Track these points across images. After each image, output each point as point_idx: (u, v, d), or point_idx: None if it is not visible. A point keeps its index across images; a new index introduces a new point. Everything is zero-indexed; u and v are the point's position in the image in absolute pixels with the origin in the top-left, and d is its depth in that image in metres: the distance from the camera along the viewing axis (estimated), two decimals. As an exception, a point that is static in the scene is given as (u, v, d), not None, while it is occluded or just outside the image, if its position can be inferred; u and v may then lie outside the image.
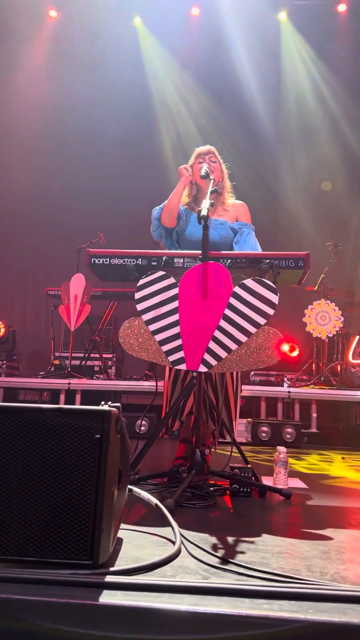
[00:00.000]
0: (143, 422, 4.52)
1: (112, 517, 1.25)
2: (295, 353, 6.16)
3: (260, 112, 8.03)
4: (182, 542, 1.38)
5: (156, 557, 1.24)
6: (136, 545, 1.39)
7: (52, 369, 5.94)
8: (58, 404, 5.09)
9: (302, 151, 7.90)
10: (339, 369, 5.44)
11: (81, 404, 5.05)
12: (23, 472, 1.20)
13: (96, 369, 6.02)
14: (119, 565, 1.23)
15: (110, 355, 6.28)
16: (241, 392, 2.82)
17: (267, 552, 1.38)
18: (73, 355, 5.74)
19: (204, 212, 2.14)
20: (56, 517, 1.18)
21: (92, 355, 5.95)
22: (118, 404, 1.29)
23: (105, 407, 1.23)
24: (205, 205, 2.19)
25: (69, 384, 5.10)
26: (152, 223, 2.79)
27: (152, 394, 2.63)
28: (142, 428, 4.46)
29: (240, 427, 4.53)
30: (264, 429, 4.52)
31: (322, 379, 5.42)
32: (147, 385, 5.13)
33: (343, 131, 7.82)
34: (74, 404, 5.02)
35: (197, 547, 1.37)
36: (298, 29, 7.82)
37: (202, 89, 7.99)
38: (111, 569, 1.16)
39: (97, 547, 1.16)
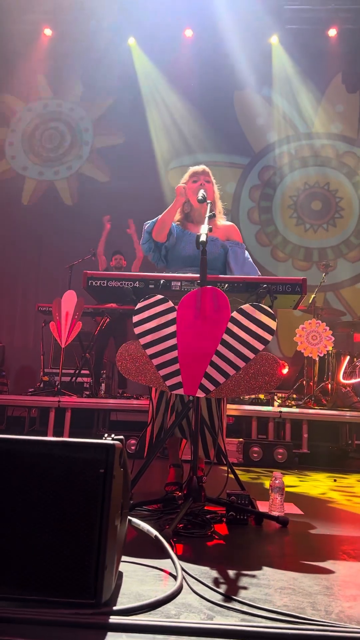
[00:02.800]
0: (133, 442, 4.49)
1: (115, 552, 1.23)
2: (284, 371, 6.18)
3: (252, 132, 8.16)
4: (183, 577, 1.36)
5: (159, 594, 1.22)
6: (137, 580, 1.37)
7: (42, 385, 5.88)
8: (47, 421, 5.06)
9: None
10: (329, 388, 5.45)
11: (71, 422, 5.01)
12: (25, 506, 1.18)
13: (86, 385, 5.97)
14: (121, 602, 1.21)
15: (101, 372, 6.24)
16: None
17: (270, 587, 1.36)
18: (63, 371, 5.69)
19: (202, 238, 2.15)
20: (58, 554, 1.15)
21: (82, 371, 5.91)
22: (121, 437, 1.28)
23: (109, 441, 1.22)
24: (203, 230, 2.20)
25: (59, 401, 5.05)
26: (142, 236, 2.81)
27: (141, 412, 2.62)
28: (132, 447, 4.42)
29: (232, 448, 4.51)
30: (256, 449, 4.50)
31: (312, 398, 5.43)
32: (137, 403, 5.10)
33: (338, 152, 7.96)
34: (63, 422, 4.97)
35: (199, 582, 1.35)
36: (289, 53, 7.98)
37: (195, 108, 8.09)
38: (114, 608, 1.14)
39: (101, 585, 1.13)
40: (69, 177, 8.03)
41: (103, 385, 6.19)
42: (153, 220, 2.76)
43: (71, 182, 8.04)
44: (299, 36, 7.87)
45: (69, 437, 4.85)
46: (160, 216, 2.71)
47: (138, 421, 5.43)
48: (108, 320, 5.86)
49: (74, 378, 5.85)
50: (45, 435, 4.99)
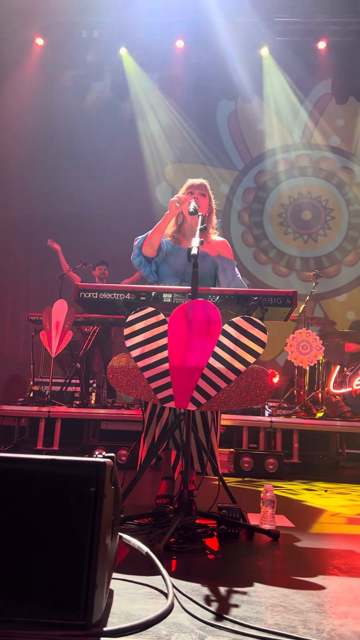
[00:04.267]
0: (124, 452, 4.46)
1: (105, 571, 1.22)
2: (275, 379, 6.19)
3: (239, 143, 8.22)
4: (174, 595, 1.35)
5: (150, 613, 1.21)
6: (128, 598, 1.36)
7: (32, 395, 5.84)
8: (36, 431, 5.02)
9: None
10: (320, 397, 5.47)
11: (61, 432, 4.98)
12: (14, 525, 1.17)
13: (76, 395, 5.94)
14: (112, 622, 1.20)
15: (90, 382, 6.22)
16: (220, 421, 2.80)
17: (261, 604, 1.35)
18: (53, 381, 5.66)
19: (194, 251, 2.15)
20: (48, 574, 1.14)
21: (72, 381, 5.88)
22: (112, 454, 1.27)
23: (100, 459, 1.21)
24: (195, 243, 2.21)
25: (49, 411, 5.01)
26: (133, 251, 2.81)
27: (132, 422, 2.62)
28: (123, 458, 4.40)
29: (223, 458, 4.50)
30: (247, 459, 4.49)
31: (303, 408, 5.44)
32: (128, 413, 5.08)
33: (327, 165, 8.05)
34: (53, 432, 4.94)
35: (190, 600, 1.34)
36: (280, 64, 8.07)
37: (186, 118, 8.14)
38: (105, 629, 1.13)
39: (91, 606, 1.12)
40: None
41: (93, 395, 6.17)
42: (143, 235, 2.76)
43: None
44: (289, 48, 7.97)
45: (59, 447, 4.86)
46: (149, 232, 2.71)
47: (129, 430, 5.41)
48: (99, 329, 5.84)
49: (64, 387, 5.82)
50: (35, 445, 4.95)
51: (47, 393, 5.50)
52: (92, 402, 6.00)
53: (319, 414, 5.23)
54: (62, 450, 4.89)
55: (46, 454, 4.84)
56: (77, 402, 5.78)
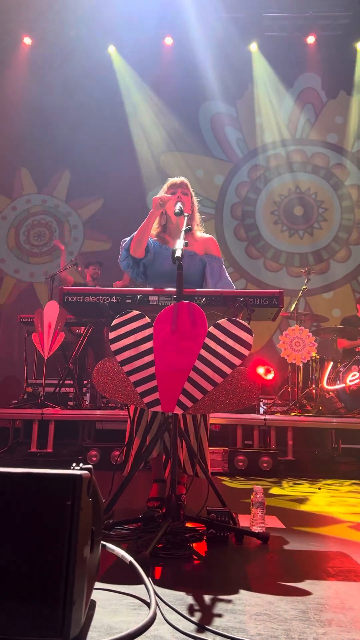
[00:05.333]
0: (118, 453, 4.44)
1: (84, 585, 1.20)
2: (270, 376, 6.16)
3: (230, 139, 8.19)
4: (157, 605, 1.33)
5: (131, 625, 1.19)
6: (110, 610, 1.34)
7: (25, 396, 5.81)
8: (31, 433, 5.00)
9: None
10: (314, 394, 5.46)
11: (55, 434, 4.95)
12: (-11, 540, 1.15)
13: (70, 395, 5.92)
14: (91, 637, 1.18)
15: (84, 382, 6.19)
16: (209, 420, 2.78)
17: (245, 613, 1.34)
18: (46, 382, 5.63)
19: (178, 253, 2.13)
20: (23, 589, 1.12)
21: (66, 382, 5.85)
22: (90, 466, 1.25)
23: (77, 471, 1.19)
24: (179, 245, 2.18)
25: (42, 413, 4.99)
26: (120, 253, 2.79)
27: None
28: (117, 459, 4.38)
29: (217, 457, 4.49)
30: (241, 457, 4.48)
31: (297, 404, 5.44)
32: (123, 414, 5.05)
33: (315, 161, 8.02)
34: (47, 433, 4.92)
35: (173, 611, 1.33)
36: (268, 60, 8.03)
37: (175, 115, 8.09)
38: (83, 644, 1.11)
39: (68, 622, 1.10)
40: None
41: (88, 395, 6.14)
42: (130, 237, 2.74)
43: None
44: (278, 43, 7.93)
45: (54, 448, 4.84)
46: (135, 232, 2.69)
47: (124, 430, 5.38)
48: (91, 329, 5.81)
49: (57, 389, 5.80)
50: (29, 447, 4.93)
51: (40, 394, 5.48)
52: (87, 402, 5.98)
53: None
54: (57, 451, 4.87)
55: (40, 456, 4.83)
56: (71, 403, 5.76)
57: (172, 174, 3.01)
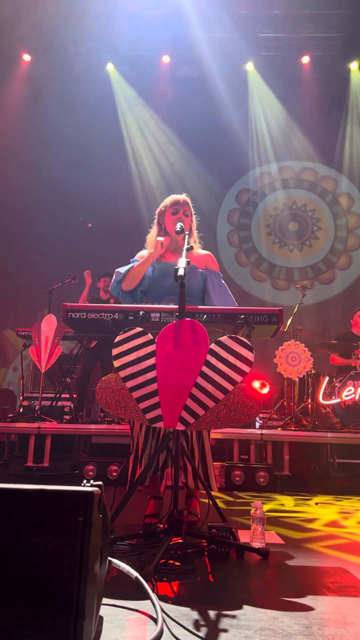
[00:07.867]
0: (114, 468, 4.45)
1: (94, 599, 1.23)
2: (266, 390, 6.18)
3: (228, 155, 8.30)
4: (164, 620, 1.36)
5: (139, 641, 1.22)
6: (118, 625, 1.36)
7: (21, 410, 5.81)
8: (26, 447, 4.99)
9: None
10: (309, 408, 5.50)
11: (52, 446, 4.95)
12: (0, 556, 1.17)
13: (66, 409, 5.92)
14: (101, 652, 1.20)
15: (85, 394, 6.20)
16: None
17: (250, 628, 1.36)
18: (43, 396, 5.64)
19: (180, 272, 2.18)
20: (35, 604, 1.14)
21: (62, 395, 5.86)
22: (100, 482, 1.28)
23: (88, 488, 1.22)
24: (181, 264, 2.23)
25: (39, 427, 4.99)
26: (112, 283, 2.80)
27: (123, 437, 2.63)
28: (114, 474, 4.39)
29: (214, 472, 4.49)
30: (238, 472, 4.50)
31: (293, 419, 5.47)
32: (119, 428, 5.07)
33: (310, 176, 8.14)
34: (43, 448, 4.91)
35: (179, 626, 1.35)
36: (264, 78, 8.19)
37: (172, 132, 8.22)
38: (94, 660, 1.13)
39: (80, 636, 1.13)
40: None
41: (85, 408, 6.14)
42: (126, 267, 2.75)
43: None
44: (273, 63, 8.09)
45: (50, 463, 4.83)
46: (130, 266, 2.73)
47: (120, 444, 5.38)
48: (96, 342, 5.83)
49: (54, 403, 5.80)
50: (25, 461, 4.92)
51: (37, 408, 5.48)
52: (83, 416, 5.97)
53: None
54: (53, 466, 4.86)
55: (36, 470, 4.82)
56: (67, 417, 5.76)
57: (167, 193, 3.06)
